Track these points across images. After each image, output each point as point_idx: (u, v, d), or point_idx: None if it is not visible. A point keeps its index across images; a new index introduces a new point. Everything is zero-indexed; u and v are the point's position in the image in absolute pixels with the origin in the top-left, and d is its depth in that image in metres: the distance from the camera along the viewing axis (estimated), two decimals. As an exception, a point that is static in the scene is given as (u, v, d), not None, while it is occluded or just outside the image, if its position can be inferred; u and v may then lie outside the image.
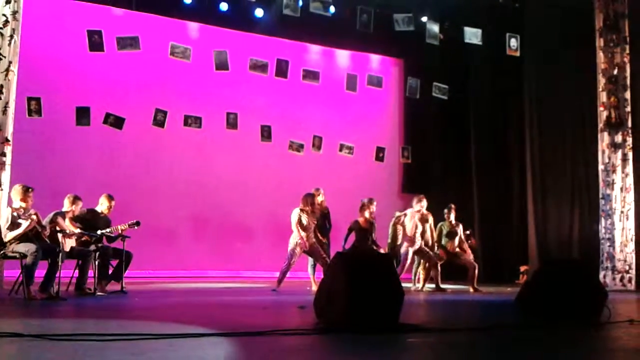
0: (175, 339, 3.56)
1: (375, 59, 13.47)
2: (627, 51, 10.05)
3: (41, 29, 10.24)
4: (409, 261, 9.00)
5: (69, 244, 6.82)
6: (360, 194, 9.65)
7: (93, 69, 10.60)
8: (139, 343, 3.39)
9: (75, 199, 7.20)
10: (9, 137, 7.51)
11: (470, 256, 9.31)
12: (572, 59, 11.03)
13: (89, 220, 7.35)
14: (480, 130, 12.89)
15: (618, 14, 10.11)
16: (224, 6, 11.36)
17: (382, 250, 8.94)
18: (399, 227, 9.16)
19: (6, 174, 7.46)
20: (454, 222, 9.34)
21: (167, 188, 11.13)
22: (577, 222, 11.33)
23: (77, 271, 7.06)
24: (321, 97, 12.38)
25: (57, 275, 6.26)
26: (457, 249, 9.27)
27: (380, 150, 11.06)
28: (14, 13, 7.57)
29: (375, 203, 9.08)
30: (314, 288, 7.99)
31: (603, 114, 10.11)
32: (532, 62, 11.74)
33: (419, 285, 9.17)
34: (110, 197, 7.56)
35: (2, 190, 7.34)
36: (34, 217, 6.33)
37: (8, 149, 7.49)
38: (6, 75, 7.45)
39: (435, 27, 10.15)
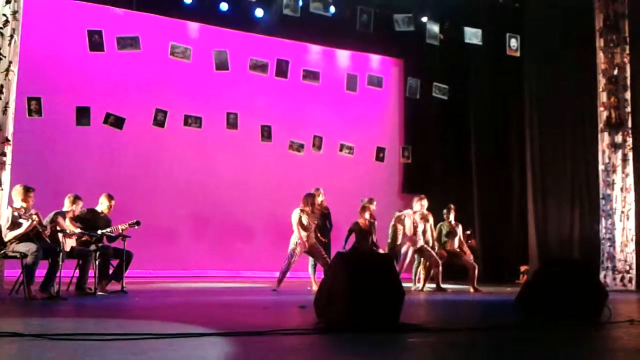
0: (176, 339, 3.57)
1: (375, 59, 13.48)
2: (627, 51, 10.05)
3: (41, 29, 10.24)
4: (407, 260, 9.00)
5: (70, 243, 6.82)
6: (360, 194, 9.66)
7: (93, 69, 10.61)
8: (139, 343, 3.39)
9: (76, 199, 7.20)
10: (9, 137, 7.51)
11: (470, 257, 9.31)
12: (572, 59, 11.03)
13: (90, 220, 7.35)
14: (481, 130, 12.89)
15: (618, 14, 10.11)
16: (224, 6, 11.37)
17: (381, 251, 8.95)
18: (399, 227, 9.16)
19: (6, 174, 7.47)
20: (453, 222, 9.34)
21: (167, 188, 11.13)
22: (578, 222, 11.32)
23: (77, 271, 7.06)
24: (321, 97, 12.39)
25: (58, 275, 6.26)
26: (457, 249, 9.27)
27: (380, 150, 11.07)
28: (14, 13, 7.57)
29: (375, 203, 9.09)
30: (315, 288, 7.99)
31: (603, 114, 10.11)
32: (532, 62, 11.74)
33: (419, 285, 9.17)
34: (110, 197, 7.56)
35: (2, 190, 7.35)
36: (35, 217, 6.33)
37: (8, 149, 7.49)
38: (6, 75, 7.45)
39: (435, 28, 10.15)
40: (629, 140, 9.97)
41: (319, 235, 8.64)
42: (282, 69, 9.71)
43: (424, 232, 9.04)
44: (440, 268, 8.98)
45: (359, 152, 10.87)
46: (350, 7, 10.44)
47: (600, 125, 10.13)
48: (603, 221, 10.02)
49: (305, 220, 8.26)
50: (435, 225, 9.28)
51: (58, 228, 6.64)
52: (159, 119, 9.33)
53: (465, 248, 9.41)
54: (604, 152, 10.08)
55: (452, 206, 9.40)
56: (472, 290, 8.92)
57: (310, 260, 8.78)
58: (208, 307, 6.03)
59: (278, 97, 11.93)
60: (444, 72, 11.70)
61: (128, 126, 9.20)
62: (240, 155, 11.69)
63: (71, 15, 10.64)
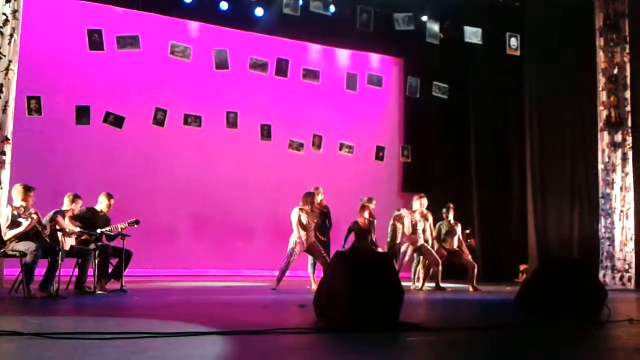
0: (175, 338, 3.57)
1: (375, 58, 13.48)
2: (627, 50, 10.05)
3: (41, 28, 10.24)
4: (407, 258, 9.00)
5: (69, 242, 6.83)
6: (360, 193, 9.67)
7: (93, 68, 10.61)
8: (138, 341, 3.39)
9: (75, 198, 7.20)
10: (9, 136, 7.52)
11: (468, 256, 9.31)
12: (572, 58, 11.03)
13: (89, 219, 7.35)
14: (480, 129, 12.90)
15: (618, 13, 10.11)
16: (224, 5, 11.37)
17: (380, 250, 8.95)
18: (398, 226, 9.16)
19: (6, 173, 7.47)
20: (452, 221, 9.34)
21: (167, 187, 11.14)
22: (577, 221, 11.32)
23: (76, 270, 7.06)
24: (321, 96, 12.39)
25: (57, 273, 6.26)
26: (457, 249, 9.28)
27: (380, 150, 11.06)
28: (14, 12, 7.57)
29: (374, 202, 9.09)
30: (314, 287, 7.99)
31: (603, 113, 10.11)
32: (532, 62, 11.74)
33: (419, 284, 9.17)
34: (109, 196, 7.56)
35: (1, 189, 7.35)
36: (34, 216, 6.33)
37: (8, 148, 7.49)
38: (6, 74, 7.46)
39: (435, 27, 10.15)
40: (629, 140, 9.97)
41: (318, 234, 8.64)
42: (282, 68, 9.70)
43: (424, 231, 9.04)
44: (440, 267, 8.98)
45: (359, 151, 10.87)
46: (350, 6, 10.44)
47: (600, 124, 10.14)
48: (602, 220, 10.02)
49: (304, 219, 8.26)
50: (434, 225, 9.28)
51: (57, 227, 6.64)
52: (159, 118, 9.33)
53: (464, 247, 9.42)
54: (603, 151, 10.09)
55: (451, 205, 9.40)
56: (471, 289, 8.92)
57: (310, 259, 8.78)
58: (207, 306, 6.03)
59: (278, 96, 11.93)
60: (444, 71, 11.69)
61: (128, 125, 9.20)
62: (240, 154, 11.69)
63: (71, 14, 10.64)
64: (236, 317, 4.98)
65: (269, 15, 11.52)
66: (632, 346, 3.77)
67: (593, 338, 4.10)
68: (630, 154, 9.97)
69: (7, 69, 7.45)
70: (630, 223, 9.83)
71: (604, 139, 10.09)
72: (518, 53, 10.35)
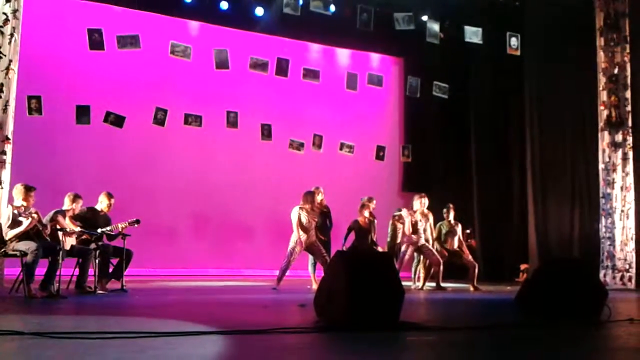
0: (176, 337, 3.57)
1: (375, 57, 13.47)
2: (628, 50, 10.05)
3: (41, 28, 10.24)
4: (407, 257, 8.99)
5: (70, 242, 6.83)
6: (360, 193, 9.66)
7: (93, 68, 10.61)
8: (139, 341, 3.39)
9: (76, 198, 7.20)
10: (10, 136, 7.52)
11: (469, 256, 9.31)
12: (573, 58, 11.02)
13: (89, 219, 7.35)
14: (481, 129, 12.89)
15: (618, 12, 10.11)
16: (224, 5, 11.37)
17: (380, 249, 8.95)
18: (399, 226, 9.16)
19: (6, 173, 7.47)
20: (452, 221, 9.34)
21: (167, 186, 11.14)
22: (578, 220, 11.32)
23: (77, 269, 7.06)
24: (321, 96, 12.39)
25: (58, 273, 6.26)
26: (457, 249, 9.28)
27: (380, 149, 11.06)
28: (15, 11, 7.57)
29: (374, 201, 9.08)
30: (315, 286, 7.99)
31: (603, 113, 10.11)
32: (532, 61, 11.73)
33: (419, 284, 9.17)
34: (109, 195, 7.56)
35: (2, 188, 7.35)
36: (35, 215, 6.33)
37: (8, 148, 7.49)
38: (6, 73, 7.46)
39: (435, 26, 10.14)
40: (629, 139, 9.97)
41: (318, 233, 8.64)
42: (282, 68, 9.70)
43: (424, 231, 9.04)
44: (441, 267, 8.97)
45: (359, 150, 10.87)
46: (350, 6, 10.44)
47: (601, 124, 10.14)
48: (603, 220, 10.02)
49: (304, 218, 8.25)
50: (435, 225, 9.28)
51: (58, 226, 6.64)
52: (159, 118, 9.33)
53: (465, 247, 9.42)
54: (604, 151, 10.09)
55: (451, 205, 9.40)
56: (471, 289, 8.92)
57: (310, 258, 8.78)
58: (208, 306, 6.03)
59: (278, 96, 11.93)
60: (444, 71, 11.69)
61: (128, 125, 9.20)
62: (241, 154, 11.69)
63: (71, 13, 10.64)
64: (236, 317, 4.98)
65: (269, 14, 11.52)
66: (633, 346, 3.77)
67: (593, 338, 4.09)
68: (630, 154, 9.97)
69: (7, 68, 7.46)
70: (631, 223, 9.83)
71: (604, 138, 10.09)
72: (518, 53, 10.35)
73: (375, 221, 8.98)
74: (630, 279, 9.69)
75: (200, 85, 11.47)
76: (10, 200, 6.84)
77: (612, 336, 4.20)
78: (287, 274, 8.41)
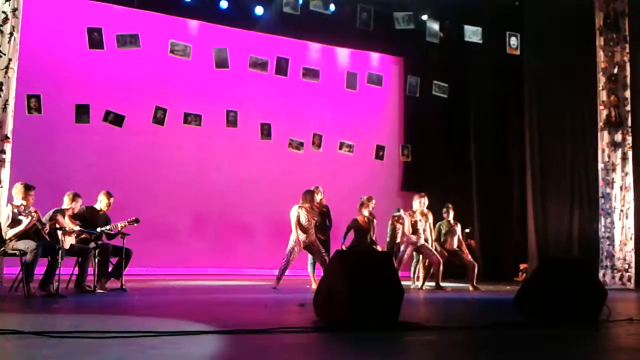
0: (175, 336, 3.57)
1: (375, 57, 13.47)
2: (627, 50, 10.05)
3: (41, 27, 10.23)
4: (405, 257, 8.98)
5: (69, 241, 6.82)
6: (359, 192, 9.66)
7: (93, 67, 10.60)
8: (138, 340, 3.39)
9: (75, 197, 7.20)
10: (9, 135, 7.52)
11: (468, 256, 9.32)
12: (572, 57, 11.02)
13: (89, 218, 7.35)
14: (481, 129, 12.89)
15: (618, 12, 10.11)
16: (224, 4, 11.37)
17: (379, 248, 8.95)
18: (398, 226, 9.16)
19: (6, 171, 7.47)
20: (452, 221, 9.34)
21: (166, 185, 11.13)
22: (577, 220, 11.32)
23: (76, 268, 7.06)
24: (321, 95, 12.39)
25: (57, 272, 6.26)
26: (457, 248, 9.28)
27: (380, 149, 11.07)
28: (14, 10, 7.57)
29: (374, 201, 9.07)
30: (314, 286, 8.00)
31: (603, 113, 10.12)
32: (532, 61, 11.73)
33: (419, 284, 9.17)
34: (109, 195, 7.56)
35: (2, 187, 7.35)
36: (34, 214, 6.33)
37: (8, 147, 7.49)
38: (6, 72, 7.45)
39: (435, 26, 10.15)
40: (629, 139, 9.98)
41: (317, 233, 8.63)
42: (282, 67, 9.70)
43: (424, 231, 9.04)
44: (441, 267, 8.97)
45: (359, 150, 10.87)
46: (350, 5, 10.44)
47: (600, 124, 10.14)
48: (602, 220, 10.03)
49: (303, 217, 8.25)
50: (434, 225, 9.28)
51: (57, 226, 6.64)
52: (159, 117, 9.33)
53: (464, 247, 9.42)
54: (603, 150, 10.09)
55: (450, 205, 9.40)
56: (471, 288, 8.92)
57: (309, 258, 8.78)
58: (207, 305, 6.04)
59: (278, 95, 11.93)
60: (444, 71, 11.69)
61: (127, 124, 9.20)
62: (240, 153, 11.69)
63: (71, 12, 10.63)
64: (236, 316, 4.98)
65: (269, 14, 11.52)
66: (632, 346, 3.77)
67: (592, 338, 4.09)
68: (630, 154, 9.98)
69: (7, 67, 7.45)
70: (630, 223, 9.83)
71: (604, 138, 10.09)
72: (518, 52, 10.36)
73: (375, 221, 8.98)
74: (629, 279, 9.70)
75: (199, 84, 11.46)
76: (10, 199, 6.84)
77: (612, 336, 4.20)
78: (286, 273, 8.41)
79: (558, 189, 11.55)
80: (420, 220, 8.99)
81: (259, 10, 11.64)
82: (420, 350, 3.53)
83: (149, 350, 3.13)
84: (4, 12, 7.49)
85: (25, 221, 6.23)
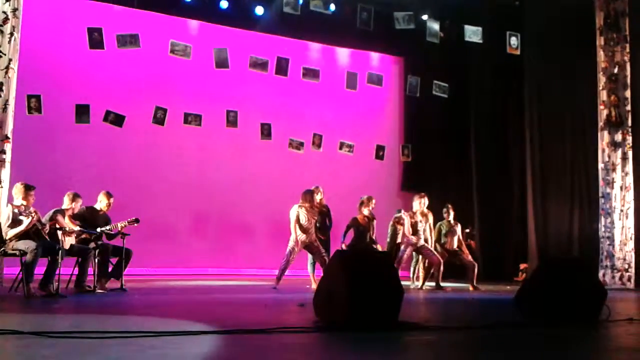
0: (175, 337, 3.57)
1: (375, 57, 13.47)
2: (628, 50, 10.06)
3: (41, 27, 10.23)
4: (405, 257, 8.98)
5: (69, 241, 6.82)
6: (359, 192, 9.65)
7: (93, 67, 10.60)
8: (138, 340, 3.39)
9: (75, 197, 7.20)
10: (9, 135, 7.52)
11: (468, 256, 9.31)
12: (573, 57, 11.03)
13: (89, 218, 7.34)
14: (480, 128, 12.90)
15: (618, 12, 10.11)
16: (224, 4, 11.38)
17: (379, 247, 8.95)
18: (399, 227, 9.16)
19: (6, 172, 7.47)
20: (452, 221, 9.34)
21: (166, 185, 11.13)
22: (577, 220, 11.33)
23: (76, 269, 7.06)
24: (321, 95, 12.39)
25: (57, 272, 6.26)
26: (457, 248, 9.27)
27: (380, 149, 11.06)
28: (14, 10, 7.57)
29: (374, 201, 9.07)
30: (314, 286, 7.99)
31: (603, 113, 10.12)
32: (532, 61, 11.73)
33: (419, 284, 9.17)
34: (109, 195, 7.56)
35: (2, 187, 7.35)
36: (34, 214, 6.33)
37: (8, 147, 7.49)
38: (6, 72, 7.45)
39: (435, 26, 10.14)
40: (629, 139, 9.98)
41: (318, 232, 8.63)
42: (282, 67, 9.70)
43: (424, 231, 9.04)
44: (442, 267, 8.97)
45: (359, 150, 10.87)
46: (350, 5, 10.44)
47: (600, 124, 10.14)
48: (602, 220, 10.03)
49: (303, 217, 8.25)
50: (434, 225, 9.27)
51: (57, 226, 6.64)
52: (159, 117, 9.33)
53: (464, 248, 9.42)
54: (603, 150, 10.09)
55: (450, 205, 9.39)
56: (471, 288, 8.92)
57: (309, 258, 8.78)
58: (207, 305, 6.04)
59: (278, 95, 11.93)
60: (444, 70, 11.68)
61: (128, 124, 9.20)
62: (240, 153, 11.69)
63: (71, 12, 10.63)
64: (236, 316, 4.98)
65: (269, 13, 11.52)
66: (632, 346, 3.77)
67: (592, 338, 4.09)
68: (630, 154, 9.98)
69: (7, 67, 7.45)
70: (630, 222, 9.83)
71: (604, 138, 10.09)
72: (518, 52, 10.35)
73: (375, 221, 8.97)
74: (629, 279, 9.70)
75: (200, 84, 11.46)
76: (10, 199, 6.84)
77: (611, 336, 4.20)
78: (286, 273, 8.41)
79: (558, 189, 11.56)
80: (420, 221, 8.99)
81: (259, 10, 11.65)
82: (420, 350, 3.53)
83: (149, 350, 3.13)
84: (4, 12, 7.49)
85: (26, 221, 6.23)
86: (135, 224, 7.38)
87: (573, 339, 3.97)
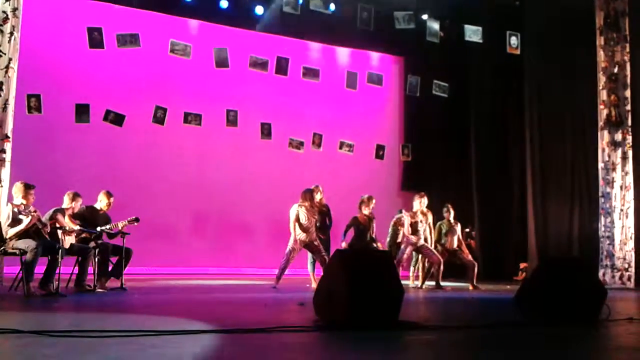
0: (175, 336, 3.57)
1: (375, 56, 13.47)
2: (628, 49, 10.05)
3: (41, 26, 10.24)
4: (405, 257, 8.97)
5: (69, 240, 6.82)
6: (359, 192, 9.66)
7: (93, 66, 10.61)
8: (138, 339, 3.39)
9: (75, 196, 7.20)
10: (9, 134, 7.52)
11: (468, 256, 9.31)
12: (573, 57, 11.03)
13: (89, 217, 7.34)
14: (480, 128, 12.90)
15: (618, 12, 10.11)
16: (224, 3, 11.39)
17: (379, 245, 8.95)
18: (400, 228, 9.17)
19: (6, 171, 7.47)
20: (452, 221, 9.34)
21: (166, 185, 11.14)
22: (577, 220, 11.33)
23: (76, 268, 7.06)
24: (321, 95, 12.39)
25: (57, 271, 6.26)
26: (457, 248, 9.27)
27: (380, 148, 11.06)
28: (14, 10, 7.57)
29: (374, 201, 9.07)
30: (314, 285, 8.00)
31: (603, 112, 10.11)
32: (532, 60, 11.74)
33: (418, 283, 9.17)
34: (109, 194, 7.56)
35: (2, 186, 7.35)
36: (35, 213, 6.33)
37: (8, 146, 7.49)
38: (6, 72, 7.45)
39: (435, 25, 10.14)
40: (629, 139, 9.98)
41: (318, 232, 8.63)
42: (282, 67, 9.70)
43: (424, 230, 9.04)
44: (442, 266, 8.97)
45: (359, 149, 10.87)
46: (350, 5, 10.44)
47: (600, 123, 10.14)
48: (602, 219, 10.02)
49: (303, 216, 8.25)
50: (434, 224, 9.27)
51: (57, 225, 6.64)
52: (159, 116, 9.33)
53: (464, 247, 9.42)
54: (603, 150, 10.09)
55: (449, 205, 9.39)
56: (471, 288, 8.92)
57: (309, 257, 8.79)
58: (207, 304, 6.04)
59: (278, 95, 11.93)
60: (444, 70, 11.68)
61: (128, 123, 9.20)
62: (240, 153, 11.69)
63: (71, 12, 10.64)
64: (236, 315, 4.98)
65: (269, 13, 11.52)
66: (632, 345, 3.77)
67: (592, 337, 4.09)
68: (630, 153, 9.97)
69: (7, 67, 7.45)
70: (630, 222, 9.83)
71: (604, 137, 10.09)
72: (518, 52, 10.35)
73: (374, 220, 8.97)
74: (629, 278, 9.70)
75: (200, 84, 11.46)
76: (10, 198, 6.84)
77: (611, 335, 4.20)
78: (286, 272, 8.41)
79: (558, 188, 11.56)
80: (420, 221, 8.99)
81: (259, 9, 11.65)
82: (420, 350, 3.53)
83: (149, 349, 3.13)
84: (4, 11, 7.49)
85: (26, 220, 6.23)
86: (135, 223, 7.39)
87: (573, 339, 3.97)
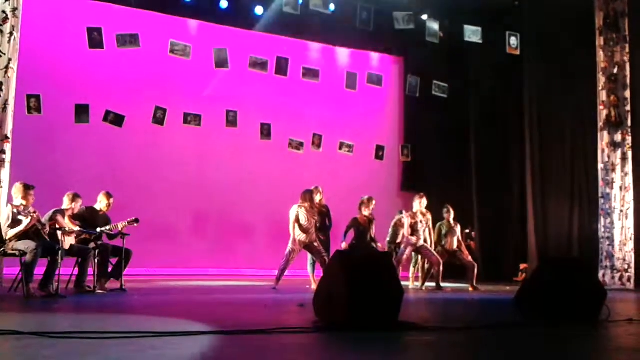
0: (175, 337, 3.57)
1: (375, 57, 13.47)
2: (627, 50, 10.05)
3: (41, 26, 10.24)
4: (404, 257, 8.97)
5: (69, 241, 6.82)
6: (359, 192, 9.66)
7: (93, 67, 10.61)
8: (138, 341, 3.39)
9: (75, 197, 7.20)
10: (9, 135, 7.51)
11: (468, 257, 9.31)
12: (572, 57, 11.03)
13: (88, 218, 7.34)
14: (481, 128, 12.90)
15: (618, 12, 10.11)
16: (224, 4, 11.39)
17: (379, 246, 8.95)
18: (400, 229, 9.17)
19: (6, 172, 7.46)
20: (452, 221, 9.33)
21: (166, 185, 11.14)
22: (577, 220, 11.33)
23: (76, 269, 7.06)
24: (321, 95, 12.39)
25: (57, 273, 6.26)
26: (456, 249, 9.27)
27: (380, 149, 11.06)
28: (14, 10, 7.56)
29: (374, 202, 9.07)
30: (314, 286, 7.99)
31: (603, 113, 10.11)
32: (532, 61, 11.74)
33: (418, 284, 9.17)
34: (108, 195, 7.56)
35: (1, 187, 7.34)
36: (34, 214, 6.32)
37: (8, 147, 7.49)
38: (6, 72, 7.45)
39: (435, 26, 10.14)
40: (629, 139, 9.98)
41: (318, 233, 8.63)
42: (281, 67, 9.70)
43: (423, 231, 9.03)
44: (441, 267, 8.96)
45: (359, 150, 10.87)
46: (350, 5, 10.43)
47: (600, 124, 10.14)
48: (602, 220, 10.02)
49: (303, 216, 8.24)
50: (434, 225, 9.27)
51: (57, 226, 6.64)
52: (159, 117, 9.33)
53: (464, 248, 9.41)
54: (603, 150, 10.09)
55: (449, 206, 9.39)
56: (471, 289, 8.92)
57: (309, 258, 8.78)
58: (207, 305, 6.03)
59: (278, 95, 11.93)
60: (444, 71, 11.69)
61: (127, 124, 9.19)
62: (240, 154, 11.69)
63: (71, 12, 10.64)
64: (236, 316, 4.98)
65: (268, 13, 11.52)
66: (632, 346, 3.77)
67: (592, 338, 4.09)
68: (630, 154, 9.97)
69: (6, 67, 7.45)
70: (630, 223, 9.83)
71: (603, 138, 10.09)
72: (518, 52, 10.35)
73: (374, 221, 8.97)
74: (629, 279, 9.70)
75: (199, 84, 11.46)
76: (10, 199, 6.84)
77: (611, 336, 4.20)
78: (286, 273, 8.41)
79: (558, 189, 11.56)
80: (420, 222, 8.99)
81: (258, 10, 11.65)
82: (419, 351, 3.53)
83: (148, 350, 3.13)
84: (4, 11, 7.48)
85: (25, 221, 6.22)
86: (135, 224, 7.39)
87: (573, 340, 3.97)
